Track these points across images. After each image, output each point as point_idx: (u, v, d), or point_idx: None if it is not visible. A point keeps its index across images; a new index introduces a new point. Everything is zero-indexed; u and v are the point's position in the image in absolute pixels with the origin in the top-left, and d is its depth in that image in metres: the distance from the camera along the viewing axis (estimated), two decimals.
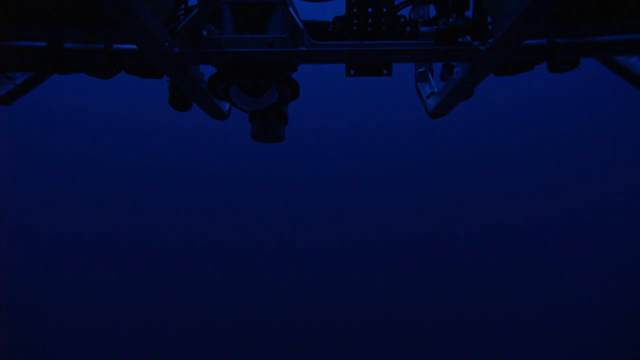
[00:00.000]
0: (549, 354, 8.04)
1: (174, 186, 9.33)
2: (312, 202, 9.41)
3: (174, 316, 8.55)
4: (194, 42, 2.03)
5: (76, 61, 2.22)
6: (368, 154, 9.59)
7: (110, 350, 8.10)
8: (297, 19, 2.00)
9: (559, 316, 8.29)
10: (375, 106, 9.48)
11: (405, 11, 2.24)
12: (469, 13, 2.11)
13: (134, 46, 2.17)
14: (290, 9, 1.99)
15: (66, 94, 8.53)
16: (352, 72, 2.34)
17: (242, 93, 2.27)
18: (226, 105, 2.92)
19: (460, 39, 2.04)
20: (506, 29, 1.78)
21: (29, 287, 8.46)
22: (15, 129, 8.88)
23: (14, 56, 2.21)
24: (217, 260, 8.99)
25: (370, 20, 2.11)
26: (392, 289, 8.77)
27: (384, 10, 2.09)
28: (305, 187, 9.48)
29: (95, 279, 8.61)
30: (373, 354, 8.21)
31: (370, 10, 2.09)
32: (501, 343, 8.18)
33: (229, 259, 9.02)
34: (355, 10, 2.09)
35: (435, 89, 2.85)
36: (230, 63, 2.12)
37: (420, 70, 3.01)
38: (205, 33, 2.06)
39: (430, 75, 2.98)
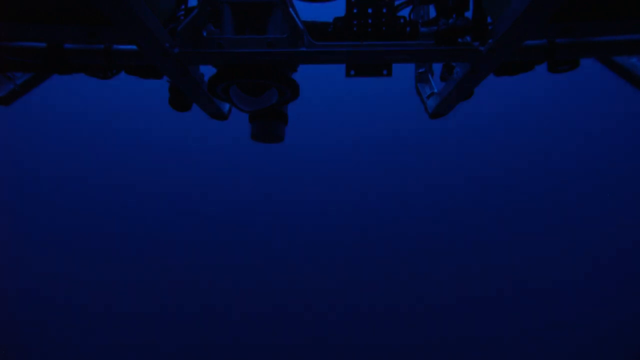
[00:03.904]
0: (549, 354, 8.05)
1: (173, 186, 9.33)
2: (312, 202, 9.41)
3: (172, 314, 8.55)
4: (194, 43, 2.03)
5: (76, 61, 2.22)
6: (368, 154, 9.59)
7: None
8: (297, 19, 2.00)
9: (560, 317, 8.31)
10: (375, 106, 9.48)
11: (405, 12, 2.24)
12: (469, 13, 2.11)
13: (134, 46, 2.17)
14: (290, 9, 2.00)
15: (66, 94, 8.54)
16: (352, 72, 2.34)
17: (242, 93, 2.27)
18: (226, 106, 2.92)
19: (460, 40, 2.04)
20: (506, 29, 1.79)
21: (27, 286, 8.46)
22: (15, 129, 8.88)
23: (14, 56, 2.21)
24: (215, 261, 8.99)
25: (370, 21, 2.11)
26: (391, 288, 8.78)
27: (384, 10, 2.09)
28: (305, 187, 9.48)
29: (94, 279, 8.61)
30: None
31: (370, 10, 2.10)
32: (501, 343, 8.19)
33: (228, 259, 9.01)
34: (355, 10, 2.10)
35: (435, 90, 2.85)
36: (230, 63, 2.12)
37: (420, 70, 3.02)
38: (205, 33, 2.07)
39: (430, 75, 2.99)
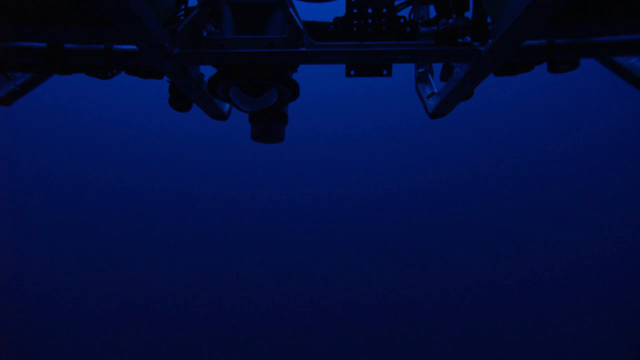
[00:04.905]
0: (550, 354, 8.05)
1: (173, 186, 9.33)
2: (312, 203, 9.41)
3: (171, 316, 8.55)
4: (194, 43, 2.03)
5: (76, 61, 2.22)
6: (368, 154, 9.59)
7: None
8: (297, 19, 2.00)
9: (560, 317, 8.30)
10: (375, 106, 9.48)
11: (405, 12, 2.24)
12: (469, 14, 2.11)
13: (134, 46, 2.17)
14: (290, 9, 1.99)
15: (66, 94, 8.54)
16: (352, 72, 2.33)
17: (242, 93, 2.27)
18: (226, 106, 2.92)
19: (460, 40, 2.04)
20: (506, 30, 1.79)
21: (27, 287, 8.46)
22: (15, 129, 8.88)
23: (15, 57, 2.21)
24: (214, 262, 8.98)
25: (370, 21, 2.11)
26: (392, 289, 8.77)
27: (384, 10, 2.09)
28: (305, 187, 9.48)
29: (93, 281, 8.60)
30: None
31: (370, 10, 2.09)
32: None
33: (227, 261, 9.01)
34: (355, 10, 2.10)
35: (435, 90, 2.85)
36: (231, 63, 2.12)
37: (420, 70, 3.01)
38: (205, 34, 2.06)
39: (430, 75, 2.98)
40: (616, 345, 7.82)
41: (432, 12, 2.42)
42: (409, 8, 2.31)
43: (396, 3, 2.12)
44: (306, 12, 2.19)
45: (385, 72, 2.34)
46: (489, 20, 2.10)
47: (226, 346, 8.35)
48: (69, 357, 8.01)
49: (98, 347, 8.13)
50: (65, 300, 8.39)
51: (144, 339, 8.26)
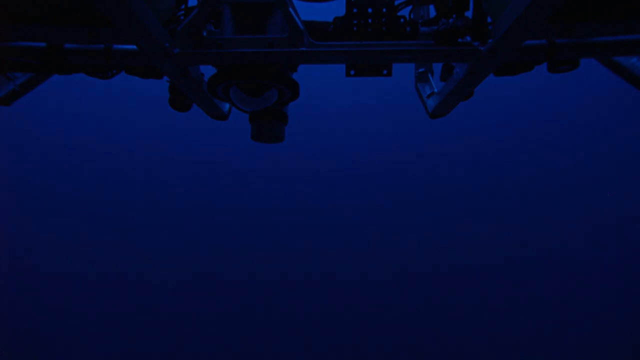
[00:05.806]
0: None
1: (173, 187, 9.32)
2: (312, 203, 9.41)
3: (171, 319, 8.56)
4: (194, 43, 2.03)
5: (76, 61, 2.22)
6: (368, 154, 9.59)
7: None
8: (297, 19, 2.00)
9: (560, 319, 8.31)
10: (375, 107, 9.48)
11: (405, 12, 2.24)
12: (469, 13, 2.11)
13: (134, 46, 2.17)
14: (290, 9, 1.99)
15: (66, 94, 8.54)
16: (352, 72, 2.34)
17: (242, 93, 2.27)
18: (226, 106, 2.92)
19: (460, 40, 2.04)
20: (506, 29, 1.79)
21: (27, 287, 8.46)
22: (16, 129, 8.88)
23: (15, 57, 2.21)
24: (215, 262, 8.98)
25: (370, 21, 2.11)
26: (391, 290, 8.79)
27: (384, 10, 2.09)
28: (304, 187, 9.48)
29: (94, 280, 8.60)
30: None
31: (370, 10, 2.10)
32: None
33: (227, 261, 9.01)
34: (355, 10, 2.10)
35: (435, 90, 2.85)
36: (231, 63, 2.12)
37: (420, 70, 3.01)
38: (205, 34, 2.06)
39: (430, 75, 2.98)
40: (616, 344, 7.84)
41: (432, 12, 2.42)
42: (409, 8, 2.31)
43: (396, 3, 2.12)
44: (306, 12, 2.19)
45: (385, 72, 2.34)
46: (489, 20, 2.10)
47: (228, 341, 8.37)
48: (68, 356, 8.02)
49: (97, 347, 8.14)
50: (77, 299, 8.40)
51: (143, 339, 8.27)
